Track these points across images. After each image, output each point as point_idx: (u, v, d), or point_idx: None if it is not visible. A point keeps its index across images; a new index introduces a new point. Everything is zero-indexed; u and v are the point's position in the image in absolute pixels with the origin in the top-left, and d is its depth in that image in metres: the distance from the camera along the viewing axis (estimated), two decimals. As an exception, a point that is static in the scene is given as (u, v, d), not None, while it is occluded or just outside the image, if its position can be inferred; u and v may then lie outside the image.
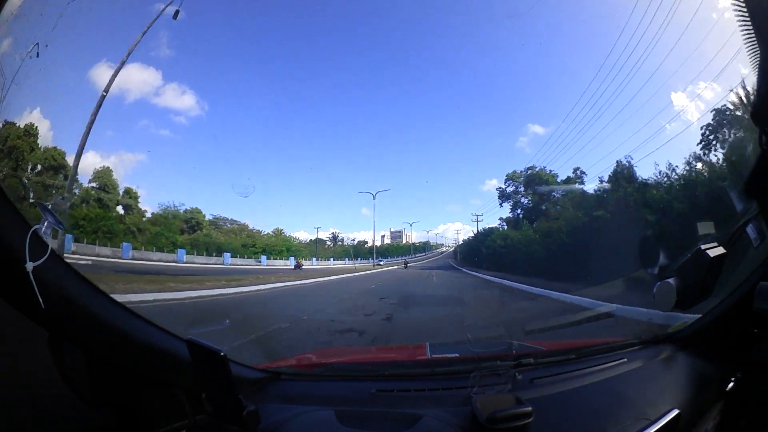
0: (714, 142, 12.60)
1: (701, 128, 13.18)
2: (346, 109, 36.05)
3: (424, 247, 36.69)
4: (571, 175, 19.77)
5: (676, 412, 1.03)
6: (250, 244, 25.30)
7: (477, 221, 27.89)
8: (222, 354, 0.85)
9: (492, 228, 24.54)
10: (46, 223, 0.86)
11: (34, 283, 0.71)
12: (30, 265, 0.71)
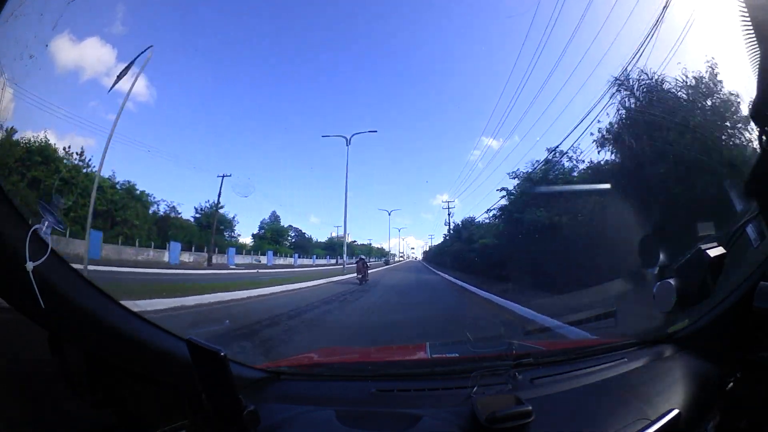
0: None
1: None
2: (298, 107, 35.65)
3: (369, 252, 37.21)
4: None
5: (676, 412, 1.03)
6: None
7: (448, 212, 27.83)
8: (222, 354, 0.85)
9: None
10: (46, 223, 0.86)
11: (34, 283, 0.71)
12: (30, 265, 0.71)
